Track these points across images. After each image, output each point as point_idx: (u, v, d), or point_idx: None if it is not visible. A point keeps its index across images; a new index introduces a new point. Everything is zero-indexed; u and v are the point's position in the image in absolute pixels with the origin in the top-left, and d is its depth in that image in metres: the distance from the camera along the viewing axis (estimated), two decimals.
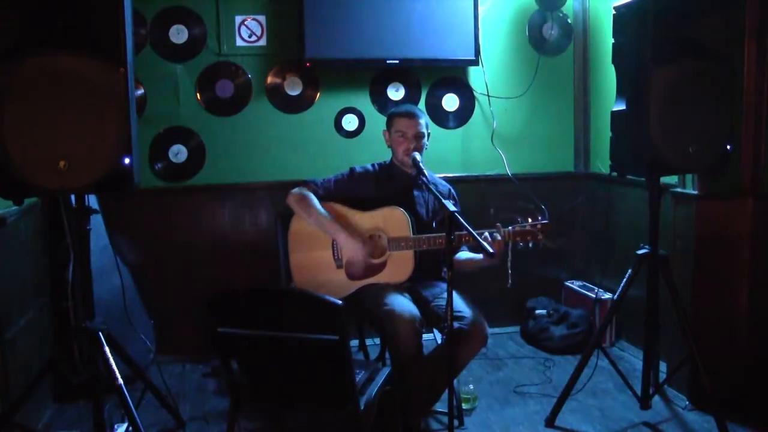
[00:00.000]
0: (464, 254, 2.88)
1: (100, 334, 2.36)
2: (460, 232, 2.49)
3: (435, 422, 2.88)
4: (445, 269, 2.65)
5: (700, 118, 2.55)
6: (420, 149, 2.82)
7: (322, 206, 2.81)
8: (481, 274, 2.82)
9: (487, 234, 2.59)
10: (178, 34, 3.53)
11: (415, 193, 2.93)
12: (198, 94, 3.59)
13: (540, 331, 3.77)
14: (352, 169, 2.95)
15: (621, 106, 2.63)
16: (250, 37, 3.60)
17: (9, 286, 2.64)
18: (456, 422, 2.76)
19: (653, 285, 2.75)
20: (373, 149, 3.62)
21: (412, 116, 2.84)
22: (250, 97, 3.64)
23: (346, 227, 2.76)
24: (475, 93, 3.87)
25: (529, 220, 2.66)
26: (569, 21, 3.95)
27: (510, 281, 2.64)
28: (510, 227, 2.65)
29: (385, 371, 2.43)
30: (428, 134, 2.89)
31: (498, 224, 2.62)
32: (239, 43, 3.59)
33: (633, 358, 3.54)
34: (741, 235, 2.93)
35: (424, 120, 2.87)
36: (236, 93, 3.62)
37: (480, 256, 2.71)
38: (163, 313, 3.53)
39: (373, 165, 2.98)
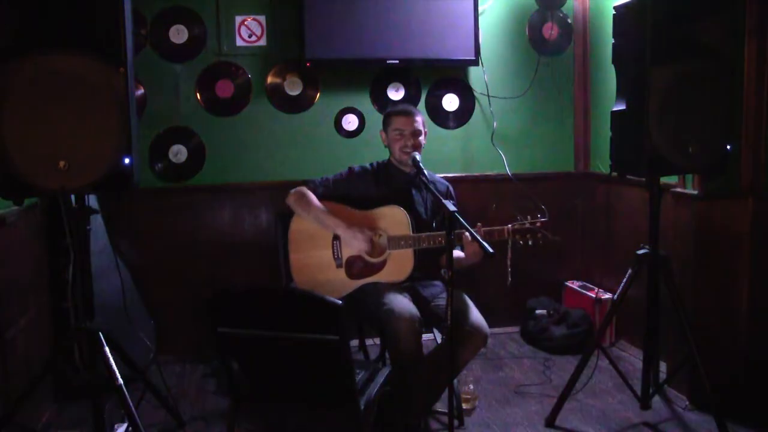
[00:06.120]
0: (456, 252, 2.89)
1: (100, 334, 2.36)
2: (459, 231, 2.49)
3: (435, 422, 2.88)
4: (444, 269, 2.64)
5: (700, 118, 2.54)
6: (418, 146, 2.83)
7: (322, 204, 2.81)
8: (481, 275, 2.82)
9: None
10: (178, 34, 3.53)
11: (414, 192, 2.93)
12: (198, 94, 3.59)
13: (540, 331, 3.77)
14: (350, 169, 2.95)
15: (621, 106, 2.63)
16: (250, 37, 3.60)
17: (9, 286, 2.64)
18: (456, 422, 2.76)
19: (653, 285, 2.75)
20: (373, 149, 3.62)
21: (409, 114, 2.86)
22: (250, 97, 3.65)
23: (345, 219, 2.76)
24: (475, 93, 3.87)
25: (529, 218, 2.66)
26: (569, 21, 3.95)
27: (510, 279, 2.64)
28: (509, 225, 2.65)
29: (385, 371, 2.43)
30: (425, 132, 2.89)
31: (478, 224, 2.62)
32: (239, 43, 3.59)
33: (633, 358, 3.53)
34: (741, 235, 2.93)
35: (421, 118, 2.88)
36: (236, 93, 3.62)
37: (462, 254, 2.72)
38: (163, 313, 3.53)
39: (371, 164, 2.98)
